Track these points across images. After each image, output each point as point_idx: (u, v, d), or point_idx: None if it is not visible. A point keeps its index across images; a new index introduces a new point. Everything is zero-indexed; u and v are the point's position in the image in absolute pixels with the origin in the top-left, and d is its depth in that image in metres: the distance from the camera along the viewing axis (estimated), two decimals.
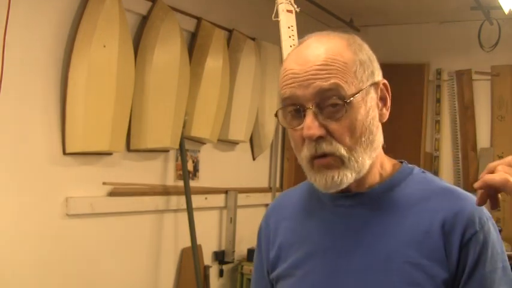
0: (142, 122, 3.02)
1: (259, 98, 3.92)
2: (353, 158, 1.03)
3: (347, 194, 1.10)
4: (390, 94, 1.10)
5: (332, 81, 1.01)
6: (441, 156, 4.85)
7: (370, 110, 1.05)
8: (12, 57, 2.47)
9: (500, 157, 4.57)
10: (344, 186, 1.05)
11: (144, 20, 3.12)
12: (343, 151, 1.02)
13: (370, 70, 1.06)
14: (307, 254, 1.12)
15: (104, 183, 2.94)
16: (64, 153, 2.74)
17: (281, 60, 2.48)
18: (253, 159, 4.16)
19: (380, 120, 1.08)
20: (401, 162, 1.16)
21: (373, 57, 1.10)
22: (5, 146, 2.51)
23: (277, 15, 2.48)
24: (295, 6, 2.51)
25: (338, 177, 1.03)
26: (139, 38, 3.07)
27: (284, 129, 4.47)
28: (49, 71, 2.68)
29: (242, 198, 3.93)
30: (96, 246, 2.94)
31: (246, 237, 4.02)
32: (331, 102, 1.01)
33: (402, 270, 1.02)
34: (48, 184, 2.69)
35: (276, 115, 1.08)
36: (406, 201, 1.08)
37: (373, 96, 1.06)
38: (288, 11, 2.48)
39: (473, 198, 1.06)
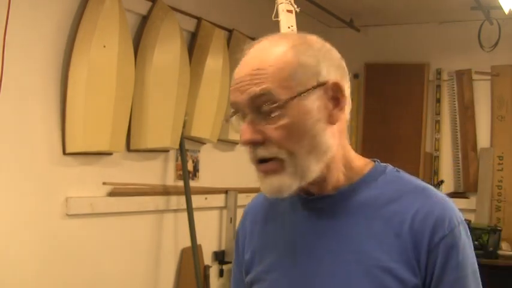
0: (142, 122, 3.02)
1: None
2: (293, 163, 1.00)
3: (315, 197, 1.08)
4: (345, 94, 1.04)
5: (263, 86, 0.99)
6: (441, 156, 4.85)
7: (311, 113, 1.00)
8: (12, 57, 2.47)
9: (500, 157, 4.59)
10: (286, 193, 1.02)
11: (144, 20, 3.12)
12: (282, 155, 1.00)
13: (313, 71, 1.01)
14: (278, 258, 1.11)
15: (104, 183, 2.94)
16: (64, 153, 2.74)
17: None
18: None
19: (330, 121, 1.03)
20: (375, 162, 1.12)
21: (326, 57, 1.04)
22: (5, 145, 2.51)
23: (277, 15, 2.47)
24: (295, 6, 2.51)
25: (278, 183, 1.02)
26: (139, 38, 3.07)
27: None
28: (49, 71, 2.67)
29: (242, 198, 3.93)
30: (96, 246, 2.94)
31: None
32: (266, 108, 1.00)
33: (372, 274, 1.00)
34: (48, 184, 2.69)
35: (226, 120, 1.10)
36: (375, 202, 1.05)
37: (317, 98, 1.01)
38: (288, 11, 2.48)
39: (444, 198, 1.05)
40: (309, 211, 1.09)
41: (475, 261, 1.04)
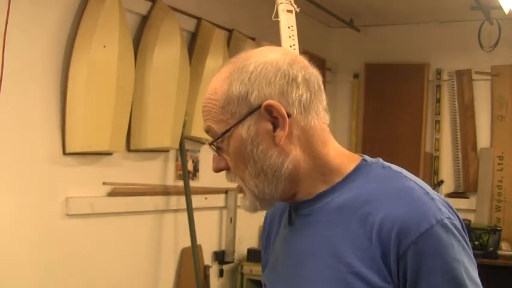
0: (142, 122, 3.02)
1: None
2: (247, 188, 1.05)
3: (296, 202, 1.08)
4: (282, 112, 1.00)
5: (207, 123, 1.05)
6: (441, 156, 4.85)
7: (249, 139, 1.01)
8: (12, 57, 2.47)
9: (500, 157, 4.59)
10: (253, 211, 1.07)
11: (144, 20, 3.12)
12: (237, 180, 1.06)
13: (243, 99, 1.01)
14: (273, 264, 1.14)
15: (104, 183, 2.94)
16: (64, 153, 2.74)
17: None
18: None
19: (276, 142, 1.01)
20: (362, 158, 1.08)
21: (259, 78, 1.02)
22: (5, 146, 2.51)
23: (277, 15, 2.48)
24: (295, 6, 2.51)
25: (244, 204, 1.07)
26: (139, 38, 3.07)
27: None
28: (49, 71, 2.68)
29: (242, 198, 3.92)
30: (96, 246, 2.94)
31: (246, 237, 4.02)
32: (214, 142, 1.05)
33: (345, 280, 0.97)
34: (48, 184, 2.69)
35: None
36: (353, 204, 1.01)
37: (254, 124, 1.01)
38: (288, 11, 2.48)
39: (421, 198, 0.98)
40: (295, 216, 1.10)
41: (463, 262, 0.95)
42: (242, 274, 3.84)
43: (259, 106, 1.01)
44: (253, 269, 3.78)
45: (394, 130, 4.81)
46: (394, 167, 1.06)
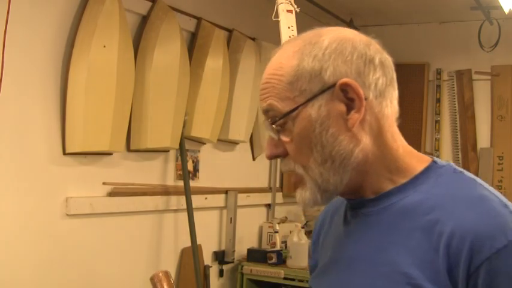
0: (142, 122, 3.02)
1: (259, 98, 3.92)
2: (309, 177, 0.94)
3: (356, 201, 0.99)
4: (360, 92, 0.92)
5: (268, 101, 0.95)
6: (441, 156, 4.85)
7: (319, 121, 0.92)
8: (12, 57, 2.47)
9: (500, 157, 4.59)
10: (311, 205, 0.96)
11: (144, 20, 3.12)
12: (298, 169, 0.95)
13: (316, 75, 0.92)
14: (325, 265, 1.05)
15: (104, 183, 2.94)
16: (64, 153, 2.74)
17: None
18: (253, 159, 4.16)
19: (350, 126, 0.92)
20: (432, 160, 0.99)
21: (333, 55, 0.93)
22: (5, 146, 2.51)
23: (277, 15, 2.48)
24: (295, 6, 2.51)
25: (302, 197, 0.96)
26: (140, 38, 3.07)
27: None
28: (49, 71, 2.67)
29: (242, 198, 3.93)
30: (96, 246, 2.94)
31: (246, 237, 4.02)
32: (274, 123, 0.94)
33: None
34: (48, 184, 2.69)
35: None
36: (418, 209, 0.92)
37: (325, 104, 0.92)
38: (288, 11, 2.48)
39: (499, 210, 0.87)
40: (352, 216, 1.01)
41: None
42: (242, 274, 3.84)
43: (334, 84, 0.92)
44: (253, 269, 3.78)
45: None
46: (467, 173, 0.97)
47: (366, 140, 0.94)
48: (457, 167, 0.98)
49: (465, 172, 0.97)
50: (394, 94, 0.99)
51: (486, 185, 0.94)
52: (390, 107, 0.98)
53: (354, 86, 0.92)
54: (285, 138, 0.94)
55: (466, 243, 0.84)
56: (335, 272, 1.00)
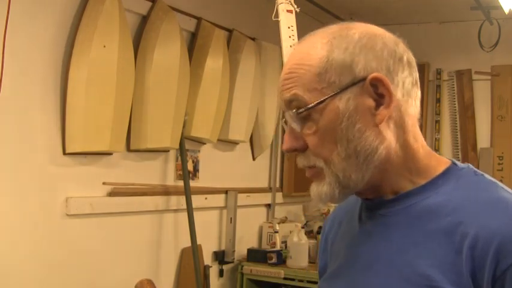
0: (142, 122, 3.02)
1: (259, 98, 3.92)
2: (330, 172, 0.91)
3: (374, 201, 0.98)
4: (390, 88, 0.91)
5: (293, 91, 0.91)
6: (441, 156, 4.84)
7: (347, 114, 0.90)
8: (12, 58, 2.47)
9: (500, 157, 4.59)
10: (327, 200, 0.94)
11: (144, 20, 3.12)
12: (319, 163, 0.92)
13: (346, 67, 0.91)
14: (338, 266, 1.03)
15: (104, 183, 2.94)
16: (64, 153, 2.74)
17: (281, 61, 2.48)
18: (253, 159, 4.16)
19: (375, 122, 0.91)
20: (452, 162, 0.99)
21: (364, 48, 0.92)
22: (5, 146, 2.51)
23: (277, 15, 2.48)
24: (295, 6, 2.51)
25: (319, 191, 0.94)
26: (140, 38, 3.07)
27: (284, 129, 4.47)
28: (49, 71, 2.67)
29: (242, 198, 3.93)
30: (96, 246, 2.93)
31: (246, 237, 4.02)
32: (297, 114, 0.91)
33: None
34: (48, 184, 2.69)
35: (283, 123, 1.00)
36: (439, 211, 0.90)
37: (354, 98, 0.91)
38: (288, 11, 2.48)
39: None
40: (368, 217, 0.99)
41: None
42: (242, 274, 3.84)
43: (364, 78, 0.90)
44: (253, 269, 3.78)
45: None
46: (487, 175, 0.97)
47: (390, 138, 0.93)
48: (477, 170, 0.97)
49: (485, 175, 0.96)
50: (418, 94, 0.98)
51: (507, 188, 0.94)
52: (414, 107, 0.97)
53: (385, 82, 0.91)
54: (307, 131, 0.92)
55: (493, 246, 0.83)
56: (353, 273, 0.98)
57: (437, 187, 0.94)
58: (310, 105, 0.90)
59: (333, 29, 0.95)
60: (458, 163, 0.98)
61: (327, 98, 0.90)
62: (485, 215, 0.87)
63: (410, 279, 0.88)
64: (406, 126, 0.95)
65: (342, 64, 0.91)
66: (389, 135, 0.93)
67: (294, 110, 0.91)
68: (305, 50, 0.93)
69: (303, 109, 0.90)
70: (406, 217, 0.93)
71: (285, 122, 0.96)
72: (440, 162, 0.98)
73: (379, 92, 0.91)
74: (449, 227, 0.88)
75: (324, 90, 0.90)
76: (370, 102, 0.91)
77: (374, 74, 0.90)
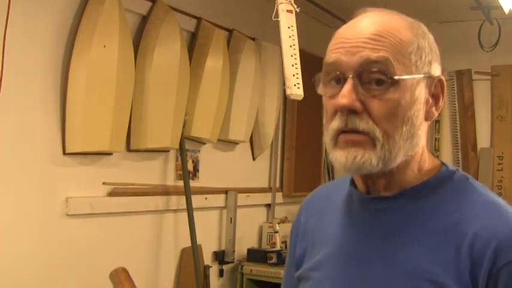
0: (142, 122, 3.02)
1: (259, 98, 3.92)
2: (386, 146, 0.91)
3: (374, 197, 1.00)
4: (444, 94, 0.98)
5: (382, 53, 0.91)
6: (441, 156, 4.84)
7: (417, 101, 0.93)
8: (12, 57, 2.47)
9: (500, 157, 4.59)
10: (365, 171, 0.93)
11: (144, 20, 3.12)
12: (378, 133, 0.91)
13: (428, 59, 0.95)
14: (328, 256, 1.03)
15: (104, 183, 2.94)
16: (64, 153, 2.74)
17: (281, 61, 2.48)
18: (253, 159, 4.16)
19: (426, 118, 0.96)
20: (443, 164, 1.03)
21: (436, 50, 0.98)
22: (5, 146, 2.51)
23: (277, 15, 2.47)
24: (295, 6, 2.51)
25: (361, 158, 0.91)
26: (140, 38, 3.07)
27: (284, 129, 4.47)
28: (49, 71, 2.67)
29: (242, 198, 3.93)
30: (96, 246, 2.94)
31: (246, 237, 4.02)
32: (376, 77, 0.91)
33: None
34: (48, 184, 2.69)
35: (313, 80, 0.98)
36: (438, 211, 0.95)
37: (424, 88, 0.95)
38: (288, 11, 2.48)
39: None
40: (365, 211, 1.00)
41: None
42: (242, 274, 3.84)
43: (434, 76, 0.96)
44: (253, 269, 3.78)
45: None
46: (472, 178, 1.02)
47: (425, 136, 0.99)
48: (465, 173, 1.02)
49: (471, 177, 1.01)
50: None
51: (491, 191, 1.00)
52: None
53: (444, 86, 0.98)
54: (376, 98, 0.91)
55: (491, 245, 0.88)
56: (347, 266, 0.99)
57: (434, 188, 0.98)
58: (398, 75, 0.91)
59: (409, 18, 1.00)
60: (449, 166, 1.02)
61: (414, 76, 0.92)
62: (484, 216, 0.92)
63: (411, 272, 0.92)
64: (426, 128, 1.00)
65: (425, 54, 0.95)
66: (425, 133, 0.99)
67: (380, 73, 0.91)
68: (391, 24, 0.95)
69: (394, 77, 0.91)
70: (404, 215, 0.96)
71: (337, 80, 0.94)
72: (434, 164, 1.02)
73: (436, 93, 0.97)
74: (447, 226, 0.92)
75: (408, 69, 0.93)
76: (430, 100, 0.97)
77: (442, 77, 0.98)
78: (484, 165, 4.67)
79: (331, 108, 0.94)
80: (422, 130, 0.97)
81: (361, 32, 0.94)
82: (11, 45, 2.45)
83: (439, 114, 4.26)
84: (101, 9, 2.71)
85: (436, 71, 0.97)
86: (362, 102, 0.91)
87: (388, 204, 0.98)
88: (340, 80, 0.93)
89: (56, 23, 2.69)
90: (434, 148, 4.84)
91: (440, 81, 0.97)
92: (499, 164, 4.65)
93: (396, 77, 0.91)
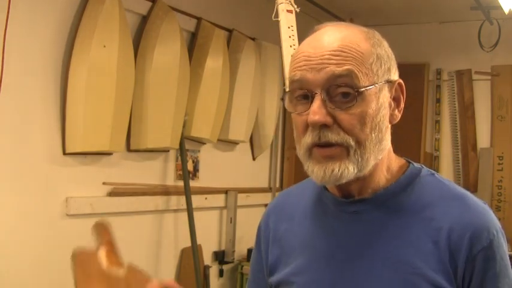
0: (142, 122, 3.02)
1: (259, 98, 3.92)
2: (359, 152, 0.97)
3: (351, 200, 1.04)
4: (405, 96, 1.04)
5: (346, 67, 0.95)
6: (441, 156, 4.85)
7: (382, 107, 0.99)
8: (12, 57, 2.47)
9: (500, 157, 4.59)
10: (343, 181, 0.97)
11: (144, 20, 3.12)
12: (351, 141, 0.96)
13: (386, 66, 1.01)
14: (309, 260, 1.06)
15: (104, 183, 2.94)
16: (64, 153, 2.74)
17: (281, 61, 2.48)
18: (253, 159, 4.16)
19: (390, 121, 1.03)
20: (409, 162, 1.09)
21: (392, 55, 1.04)
22: (5, 146, 2.51)
23: (277, 15, 2.48)
24: (295, 6, 2.51)
25: (339, 170, 0.96)
26: (140, 38, 3.07)
27: (284, 129, 4.48)
28: (49, 71, 2.68)
29: (242, 198, 3.93)
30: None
31: (246, 237, 4.02)
32: (342, 91, 0.95)
33: (409, 282, 0.97)
34: (48, 184, 2.69)
35: (282, 98, 1.02)
36: (412, 207, 1.02)
37: (386, 94, 1.00)
38: (288, 11, 2.48)
39: (484, 207, 1.02)
40: (343, 214, 1.04)
41: (510, 267, 1.01)
42: (242, 274, 3.84)
43: (394, 81, 1.03)
44: None
45: (394, 130, 4.80)
46: (438, 173, 1.09)
47: (389, 137, 1.04)
48: (429, 169, 1.08)
49: (436, 173, 1.09)
50: None
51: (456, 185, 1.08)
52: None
53: (403, 88, 1.04)
54: (345, 110, 0.96)
55: (467, 235, 0.97)
56: (333, 268, 1.03)
57: (404, 186, 1.04)
58: (363, 87, 0.96)
59: (363, 28, 1.03)
60: (414, 163, 1.09)
61: (373, 85, 0.97)
62: (455, 210, 1.00)
63: (397, 268, 0.98)
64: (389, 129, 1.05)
65: (384, 62, 1.00)
66: (390, 135, 1.04)
67: (346, 86, 0.95)
68: (351, 38, 0.99)
69: (360, 89, 0.95)
70: (380, 214, 1.02)
71: (304, 96, 0.99)
72: (400, 162, 1.08)
73: (397, 96, 1.03)
74: (423, 221, 1.00)
75: (371, 78, 0.98)
76: (392, 103, 1.03)
77: (400, 80, 1.04)
78: (484, 165, 4.67)
79: (302, 124, 0.99)
80: (388, 133, 1.03)
81: (324, 48, 0.97)
82: (11, 45, 2.46)
83: (439, 114, 4.23)
84: (101, 9, 2.71)
85: (395, 75, 1.03)
86: (332, 115, 0.96)
87: (365, 206, 1.03)
88: (308, 97, 0.97)
89: (56, 22, 2.69)
90: (434, 148, 4.84)
91: (399, 84, 1.03)
92: (499, 164, 4.65)
93: (362, 89, 0.96)
